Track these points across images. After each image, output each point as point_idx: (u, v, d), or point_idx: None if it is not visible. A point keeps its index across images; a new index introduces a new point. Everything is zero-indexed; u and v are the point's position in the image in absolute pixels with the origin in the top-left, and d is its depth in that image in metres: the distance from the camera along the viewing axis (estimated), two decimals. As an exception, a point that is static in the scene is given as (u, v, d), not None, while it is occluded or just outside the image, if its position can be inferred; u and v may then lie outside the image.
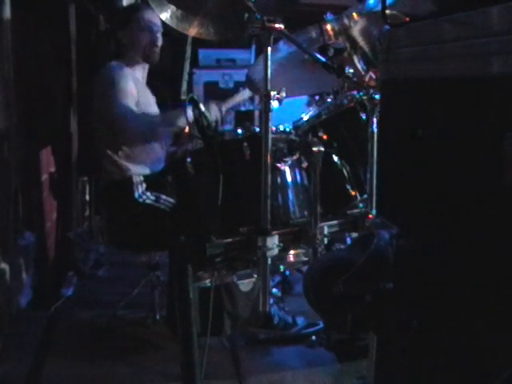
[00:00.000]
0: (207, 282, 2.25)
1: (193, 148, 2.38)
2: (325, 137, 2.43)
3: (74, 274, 3.66)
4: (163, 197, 2.81)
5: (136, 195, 2.85)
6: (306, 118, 2.56)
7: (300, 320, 2.88)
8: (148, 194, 2.86)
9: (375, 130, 2.31)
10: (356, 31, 2.61)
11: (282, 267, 2.43)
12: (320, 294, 1.60)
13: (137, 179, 2.88)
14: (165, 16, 2.62)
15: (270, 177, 2.17)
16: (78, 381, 2.56)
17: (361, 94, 2.46)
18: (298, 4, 2.71)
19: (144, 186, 2.88)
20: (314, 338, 2.76)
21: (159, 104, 3.20)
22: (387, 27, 1.52)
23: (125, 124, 2.85)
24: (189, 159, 2.33)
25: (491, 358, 1.17)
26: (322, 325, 2.79)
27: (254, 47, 5.03)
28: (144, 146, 2.96)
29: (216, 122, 2.90)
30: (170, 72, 4.56)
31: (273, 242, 2.17)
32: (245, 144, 2.29)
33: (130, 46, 3.01)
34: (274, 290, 3.00)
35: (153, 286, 3.04)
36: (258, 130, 2.36)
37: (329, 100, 2.67)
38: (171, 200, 2.78)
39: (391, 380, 1.59)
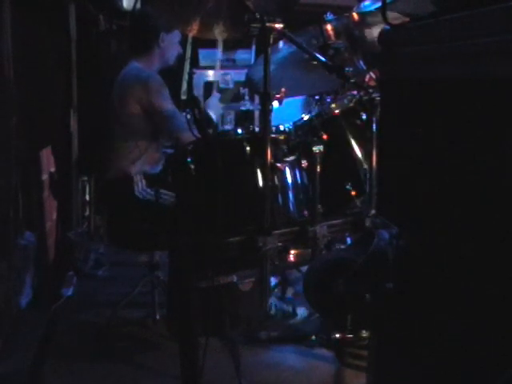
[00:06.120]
0: (207, 282, 2.25)
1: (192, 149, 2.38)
2: (325, 137, 2.43)
3: (73, 273, 3.66)
4: (163, 191, 2.81)
5: (136, 191, 2.85)
6: (305, 117, 2.56)
7: (301, 310, 2.89)
8: (148, 190, 2.86)
9: (375, 129, 2.31)
10: (356, 31, 2.62)
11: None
12: (320, 293, 1.60)
13: (137, 177, 2.88)
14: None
15: (269, 177, 2.17)
16: (78, 381, 2.56)
17: (361, 94, 2.46)
18: (297, 4, 2.71)
19: (144, 182, 2.88)
20: (313, 337, 2.77)
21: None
22: (387, 27, 1.52)
23: (172, 121, 2.84)
24: (189, 159, 2.33)
25: (492, 358, 1.17)
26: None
27: (254, 47, 5.03)
28: (152, 147, 2.95)
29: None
30: (170, 72, 4.56)
31: (273, 241, 2.17)
32: (245, 144, 2.29)
33: (163, 50, 2.99)
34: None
35: (153, 286, 3.04)
36: (257, 129, 2.36)
37: (329, 100, 2.67)
38: (171, 194, 2.77)
39: (391, 379, 1.59)
